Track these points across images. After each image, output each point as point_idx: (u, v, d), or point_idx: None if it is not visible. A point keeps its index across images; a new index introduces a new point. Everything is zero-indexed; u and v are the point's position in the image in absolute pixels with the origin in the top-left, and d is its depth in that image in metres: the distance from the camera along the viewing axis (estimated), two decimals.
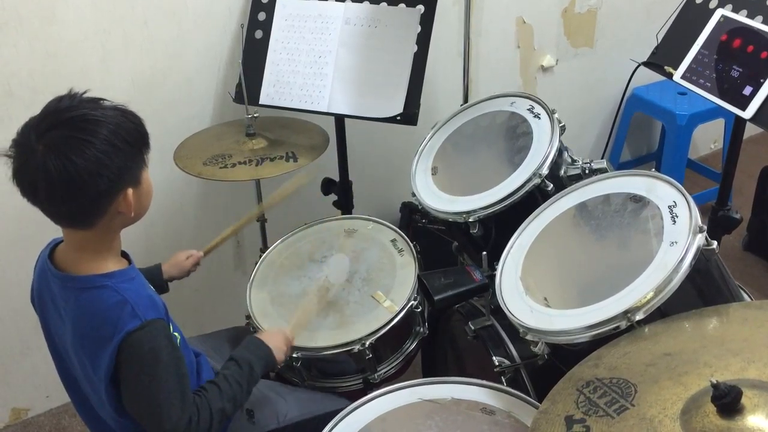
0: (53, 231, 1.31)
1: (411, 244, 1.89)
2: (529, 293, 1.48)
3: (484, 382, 1.48)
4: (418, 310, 1.77)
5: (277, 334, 1.56)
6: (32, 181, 1.17)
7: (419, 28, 1.97)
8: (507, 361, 1.62)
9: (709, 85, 1.78)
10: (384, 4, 2.02)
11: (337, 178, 2.30)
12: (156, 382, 1.24)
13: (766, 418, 0.94)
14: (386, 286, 1.79)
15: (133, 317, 1.23)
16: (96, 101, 1.22)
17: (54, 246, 1.35)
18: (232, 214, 2.43)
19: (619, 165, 3.25)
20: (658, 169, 3.16)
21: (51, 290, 1.32)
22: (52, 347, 1.39)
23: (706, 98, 1.78)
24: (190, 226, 2.38)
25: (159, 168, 2.07)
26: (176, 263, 1.76)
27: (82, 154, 1.16)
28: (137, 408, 1.28)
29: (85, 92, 1.23)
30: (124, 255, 1.36)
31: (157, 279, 1.69)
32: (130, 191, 1.24)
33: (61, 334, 1.33)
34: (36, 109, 1.17)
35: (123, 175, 1.22)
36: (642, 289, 1.30)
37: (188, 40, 2.16)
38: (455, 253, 2.04)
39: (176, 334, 1.37)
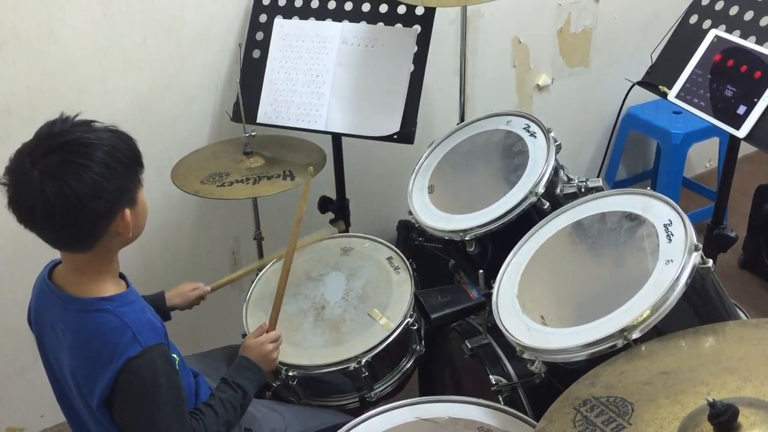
0: (50, 249, 1.31)
1: (407, 262, 1.89)
2: (525, 311, 1.48)
3: (481, 401, 1.48)
4: (415, 327, 1.77)
5: (262, 345, 1.55)
6: (30, 207, 1.17)
7: (416, 48, 1.99)
8: (504, 380, 1.62)
9: (703, 104, 1.80)
10: (381, 23, 2.04)
11: (334, 197, 2.30)
12: (155, 408, 1.24)
13: None
14: (382, 303, 1.79)
15: (134, 343, 1.22)
16: (88, 123, 1.22)
17: (53, 267, 1.34)
18: (230, 232, 2.44)
19: (615, 183, 3.26)
20: (653, 188, 3.19)
21: (50, 310, 1.31)
22: (48, 367, 1.39)
23: (700, 117, 1.80)
24: (187, 245, 2.38)
25: (157, 186, 2.09)
26: (181, 293, 1.75)
27: (79, 178, 1.16)
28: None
29: (77, 115, 1.23)
30: (122, 277, 1.36)
31: (161, 306, 1.67)
32: (127, 212, 1.24)
33: (58, 354, 1.32)
34: (35, 128, 1.17)
35: (120, 196, 1.22)
36: (638, 308, 1.30)
37: (186, 59, 2.18)
38: (452, 271, 2.04)
39: (174, 355, 1.37)
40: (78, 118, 1.23)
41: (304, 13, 2.11)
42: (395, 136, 1.98)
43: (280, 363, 1.68)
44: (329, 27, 2.07)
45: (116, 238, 1.26)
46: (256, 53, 2.14)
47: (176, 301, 1.73)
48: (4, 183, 1.19)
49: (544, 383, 1.45)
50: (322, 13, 2.09)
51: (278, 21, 2.12)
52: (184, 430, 1.27)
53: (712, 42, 1.83)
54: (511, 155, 1.87)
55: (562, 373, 1.40)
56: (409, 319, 1.74)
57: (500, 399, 1.59)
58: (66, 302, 1.28)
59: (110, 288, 1.29)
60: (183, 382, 1.35)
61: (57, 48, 1.97)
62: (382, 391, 1.77)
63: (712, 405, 0.95)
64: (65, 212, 1.16)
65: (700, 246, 1.34)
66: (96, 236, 1.23)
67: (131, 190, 1.25)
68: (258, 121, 2.10)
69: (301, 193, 1.68)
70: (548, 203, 1.71)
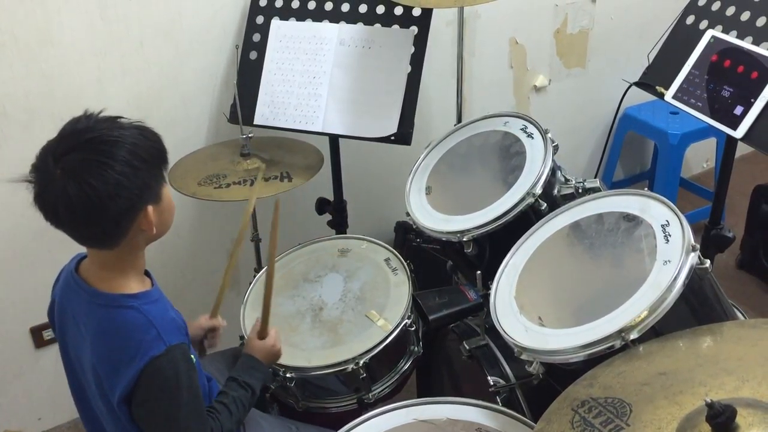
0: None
1: (405, 263, 1.89)
2: (523, 312, 1.48)
3: (480, 402, 1.47)
4: (413, 329, 1.77)
5: (265, 347, 1.55)
6: (53, 206, 1.17)
7: (413, 49, 1.99)
8: (502, 381, 1.62)
9: (700, 105, 1.80)
10: (378, 25, 2.04)
11: (331, 198, 2.30)
12: (176, 406, 1.25)
13: None
14: (380, 304, 1.79)
15: (158, 342, 1.23)
16: (113, 120, 1.22)
17: (79, 260, 1.35)
18: (227, 234, 2.44)
19: (613, 184, 3.26)
20: (651, 188, 3.19)
21: (74, 303, 1.31)
22: (67, 361, 1.39)
23: (697, 118, 1.80)
24: (185, 246, 2.38)
25: None
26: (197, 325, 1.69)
27: (100, 177, 1.15)
28: (154, 430, 1.29)
29: (101, 111, 1.23)
30: (147, 274, 1.37)
31: None
32: (150, 209, 1.24)
33: (79, 349, 1.33)
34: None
35: (143, 193, 1.22)
36: (636, 309, 1.30)
37: (184, 62, 2.17)
38: (450, 272, 2.04)
39: (192, 356, 1.37)
40: (103, 115, 1.23)
41: (301, 14, 2.11)
42: (392, 138, 1.98)
43: (278, 365, 1.68)
44: (326, 28, 2.07)
45: (141, 235, 1.26)
46: (253, 55, 2.14)
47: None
48: (30, 180, 1.19)
49: (542, 384, 1.45)
50: (319, 15, 2.09)
51: (275, 22, 2.12)
52: (203, 428, 1.29)
53: (709, 42, 1.83)
54: (509, 156, 1.87)
55: (561, 374, 1.40)
56: (407, 320, 1.74)
57: (498, 400, 1.59)
58: (92, 296, 1.28)
59: (135, 285, 1.29)
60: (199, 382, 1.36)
61: (54, 51, 1.97)
62: (380, 392, 1.77)
63: (711, 406, 0.96)
64: (87, 211, 1.17)
65: (698, 246, 1.34)
66: (120, 234, 1.23)
67: (154, 188, 1.25)
68: (255, 122, 2.10)
69: (271, 223, 1.62)
70: (546, 204, 1.71)
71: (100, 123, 1.21)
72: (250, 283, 1.94)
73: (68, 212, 1.17)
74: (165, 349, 1.23)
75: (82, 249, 1.32)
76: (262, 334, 1.57)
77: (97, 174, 1.15)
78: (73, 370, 1.38)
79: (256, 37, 2.14)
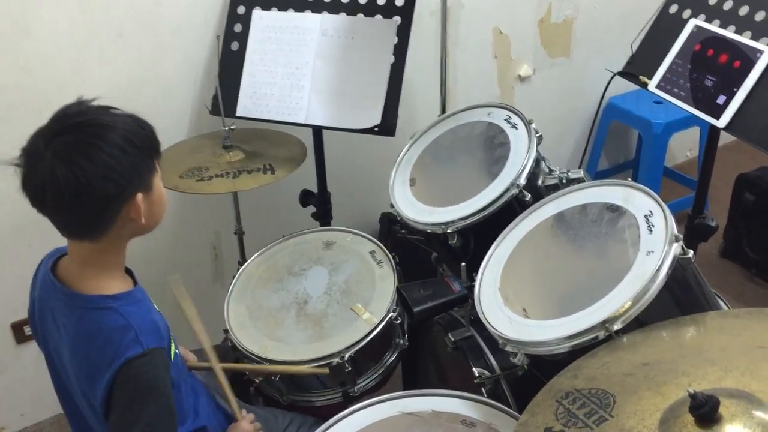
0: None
1: (390, 256, 1.88)
2: (507, 304, 1.48)
3: (465, 394, 1.47)
4: (398, 321, 1.76)
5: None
6: (41, 188, 1.15)
7: (396, 39, 1.97)
8: (487, 372, 1.62)
9: (683, 94, 1.80)
10: (361, 15, 2.02)
11: (315, 190, 2.29)
12: (148, 412, 1.21)
13: (744, 427, 0.94)
14: (365, 298, 1.78)
15: (135, 344, 1.20)
16: (106, 108, 1.21)
17: (57, 258, 1.31)
18: (211, 227, 2.42)
19: (597, 173, 3.27)
20: (635, 177, 3.20)
21: (52, 304, 1.29)
22: (50, 362, 1.36)
23: (681, 108, 1.80)
24: (167, 240, 2.36)
25: None
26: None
27: (90, 159, 1.14)
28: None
29: (94, 99, 1.22)
30: (129, 273, 1.34)
31: None
32: (140, 196, 1.21)
33: (59, 349, 1.30)
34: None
35: (133, 179, 1.19)
36: (619, 299, 1.30)
37: (164, 52, 2.15)
38: (435, 263, 2.04)
39: (177, 351, 1.36)
40: (95, 103, 1.22)
41: (283, 4, 2.08)
42: (376, 129, 1.97)
43: (263, 359, 1.67)
44: (308, 19, 2.05)
45: (128, 225, 1.23)
46: (235, 45, 2.12)
47: None
48: (19, 164, 1.17)
49: (527, 375, 1.45)
50: (301, 5, 2.07)
51: (257, 13, 2.09)
52: None
53: (692, 32, 1.83)
54: (493, 147, 1.87)
55: (545, 365, 1.40)
56: (392, 313, 1.73)
57: (484, 391, 1.59)
58: (69, 299, 1.25)
59: (116, 285, 1.26)
60: (183, 383, 1.35)
61: (32, 43, 1.93)
62: (365, 385, 1.76)
63: (693, 396, 0.96)
64: (75, 194, 1.14)
65: (681, 237, 1.34)
66: (107, 221, 1.20)
67: (145, 175, 1.22)
68: (237, 114, 2.08)
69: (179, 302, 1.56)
70: (530, 195, 1.71)
71: (92, 109, 1.20)
72: (234, 277, 1.93)
73: (55, 195, 1.14)
74: (142, 351, 1.20)
75: (63, 243, 1.30)
76: (236, 418, 1.51)
77: (87, 155, 1.14)
78: (56, 371, 1.35)
79: (238, 28, 2.12)
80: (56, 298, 1.27)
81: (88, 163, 1.13)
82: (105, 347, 1.20)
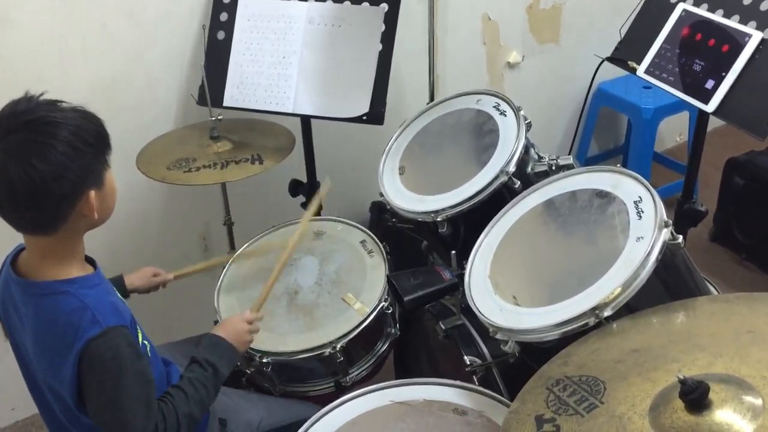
0: (7, 240, 1.27)
1: (381, 245, 1.87)
2: (498, 292, 1.48)
3: (456, 382, 1.47)
4: (389, 311, 1.76)
5: (235, 323, 1.50)
6: None
7: (383, 27, 1.96)
8: (479, 360, 1.62)
9: (672, 79, 1.80)
10: (347, 2, 2.00)
11: (304, 180, 2.28)
12: (119, 390, 1.20)
13: (734, 412, 0.94)
14: (356, 288, 1.78)
15: (94, 324, 1.19)
16: (53, 103, 1.19)
17: (17, 252, 1.31)
18: (199, 218, 2.41)
19: (587, 159, 3.27)
20: (624, 163, 3.20)
21: (13, 298, 1.28)
22: (18, 356, 1.35)
23: (669, 93, 1.80)
24: (156, 232, 2.34)
25: (122, 173, 2.01)
26: (142, 276, 1.71)
27: (43, 158, 1.13)
28: (101, 417, 1.24)
29: (41, 94, 1.20)
30: (90, 261, 1.33)
31: (120, 287, 1.64)
32: (92, 193, 1.20)
33: (24, 343, 1.29)
34: None
35: (86, 177, 1.19)
36: (609, 285, 1.30)
37: (148, 42, 2.12)
38: (425, 252, 2.03)
39: (146, 342, 1.34)
40: (43, 98, 1.19)
41: None
42: (364, 117, 1.95)
43: (254, 350, 1.66)
44: (295, 7, 2.03)
45: (81, 221, 1.23)
46: (221, 35, 2.09)
47: (137, 283, 1.70)
48: None
49: (517, 362, 1.45)
50: None
51: (242, 1, 2.07)
52: (150, 413, 1.23)
53: (680, 16, 1.82)
54: (482, 134, 1.86)
55: (536, 352, 1.40)
56: (383, 303, 1.73)
57: (475, 379, 1.59)
58: (25, 288, 1.25)
59: (74, 271, 1.25)
60: (154, 371, 1.32)
61: (13, 33, 1.91)
62: (357, 375, 1.76)
63: (683, 382, 0.96)
64: (29, 193, 1.14)
65: (670, 222, 1.34)
66: (61, 218, 1.20)
67: (97, 171, 1.22)
68: (224, 104, 2.06)
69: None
70: (519, 182, 1.71)
71: (41, 105, 1.18)
72: (224, 268, 1.92)
73: (9, 195, 1.14)
74: (101, 330, 1.18)
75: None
76: (257, 308, 1.57)
77: (40, 154, 1.13)
78: (25, 365, 1.34)
79: (224, 17, 2.09)
80: (15, 291, 1.27)
81: (42, 162, 1.13)
82: (64, 332, 1.19)
